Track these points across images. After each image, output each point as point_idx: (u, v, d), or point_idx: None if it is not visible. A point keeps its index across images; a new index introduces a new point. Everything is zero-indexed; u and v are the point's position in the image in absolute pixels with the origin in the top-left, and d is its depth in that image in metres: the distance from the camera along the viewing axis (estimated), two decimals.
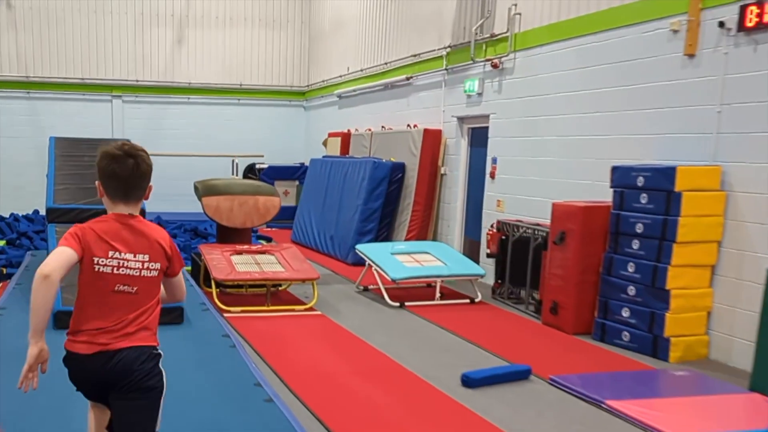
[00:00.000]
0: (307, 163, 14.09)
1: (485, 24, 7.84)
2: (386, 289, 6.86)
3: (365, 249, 7.37)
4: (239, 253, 7.01)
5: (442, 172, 8.86)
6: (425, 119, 9.29)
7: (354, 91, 11.76)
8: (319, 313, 6.32)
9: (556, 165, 6.81)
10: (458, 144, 8.65)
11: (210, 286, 6.88)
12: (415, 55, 9.54)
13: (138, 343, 2.64)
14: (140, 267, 2.65)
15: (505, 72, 7.58)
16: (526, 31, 7.23)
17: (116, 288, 2.61)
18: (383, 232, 9.14)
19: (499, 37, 7.61)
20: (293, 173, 14.05)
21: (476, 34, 7.92)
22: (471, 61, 8.05)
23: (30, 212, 12.11)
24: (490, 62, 7.73)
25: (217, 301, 6.38)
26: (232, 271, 6.40)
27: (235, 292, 6.92)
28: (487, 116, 7.95)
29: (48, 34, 13.86)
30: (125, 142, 2.73)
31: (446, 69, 8.75)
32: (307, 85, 14.71)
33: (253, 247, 7.18)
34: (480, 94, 8.04)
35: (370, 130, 10.76)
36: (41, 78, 13.85)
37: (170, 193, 12.65)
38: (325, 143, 12.36)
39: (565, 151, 6.70)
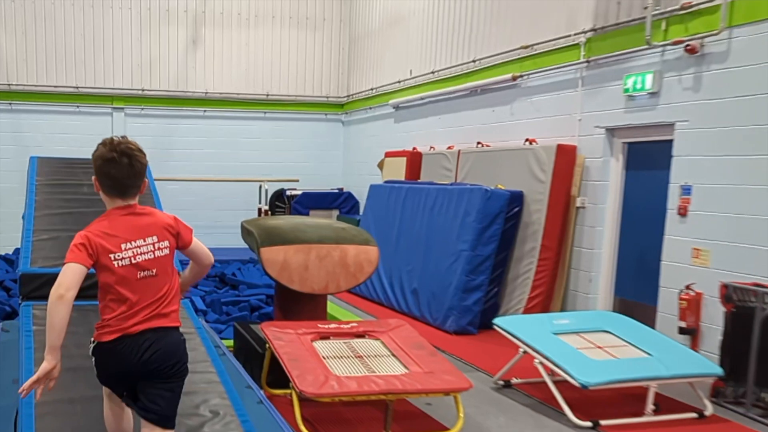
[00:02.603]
0: (346, 189, 11.71)
1: None
2: (559, 390, 4.34)
3: (511, 325, 4.85)
4: (325, 336, 4.47)
5: (578, 204, 6.37)
6: (542, 132, 6.83)
7: (421, 99, 9.29)
8: None
9: None
10: (606, 165, 6.18)
11: (279, 387, 4.42)
12: (526, 47, 7.08)
13: (173, 323, 2.80)
14: (153, 249, 2.77)
15: (709, 59, 5.12)
16: None
17: (139, 275, 2.72)
18: (494, 288, 6.61)
19: (700, 7, 5.17)
20: (332, 201, 11.59)
21: (652, 6, 5.46)
22: (644, 46, 5.58)
23: (10, 252, 9.63)
24: (682, 46, 5.27)
25: (303, 428, 3.84)
26: (327, 379, 3.84)
27: (326, 401, 4.37)
28: (668, 125, 5.49)
29: (34, 33, 11.36)
30: (120, 140, 2.78)
31: (587, 61, 6.29)
32: (347, 96, 12.24)
33: (344, 326, 4.65)
34: (654, 94, 5.57)
35: (451, 147, 8.28)
36: (26, 87, 11.32)
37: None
38: (381, 165, 9.87)
39: None
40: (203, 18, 11.93)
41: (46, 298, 4.44)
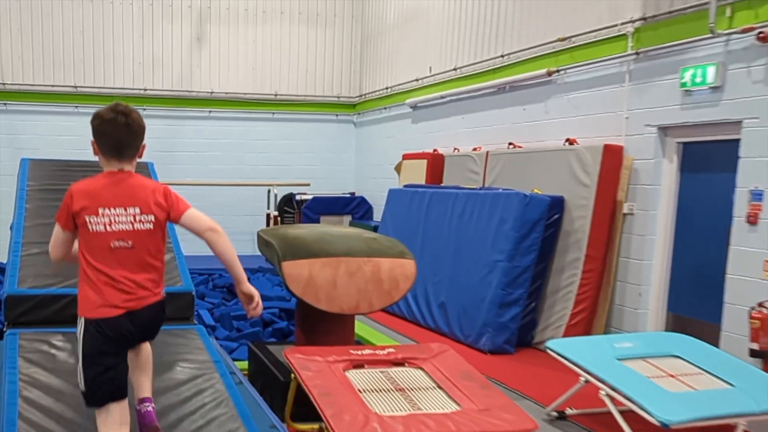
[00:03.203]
0: (358, 193, 11.14)
1: None
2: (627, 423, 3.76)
3: (568, 349, 4.27)
4: (358, 365, 3.89)
5: (626, 210, 5.80)
6: (581, 131, 6.26)
7: (441, 97, 8.72)
8: None
9: None
10: (658, 168, 5.60)
11: (304, 420, 3.87)
12: (563, 39, 6.51)
13: (152, 301, 2.77)
14: (132, 221, 2.70)
15: None
16: None
17: (113, 245, 2.67)
18: (531, 303, 6.04)
19: None
20: (343, 206, 11.03)
21: None
22: (705, 35, 5.01)
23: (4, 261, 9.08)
24: (753, 34, 4.70)
25: None
26: (368, 420, 3.25)
27: None
28: (734, 123, 4.91)
29: (30, 30, 10.80)
30: (118, 102, 2.83)
31: (636, 53, 5.71)
32: (360, 96, 11.67)
33: (379, 353, 4.06)
34: (717, 88, 5.00)
35: (477, 148, 7.71)
36: (22, 86, 10.76)
37: (187, 232, 9.55)
38: (398, 168, 9.30)
39: None
40: (208, 14, 11.37)
41: (35, 323, 3.86)
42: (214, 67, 11.46)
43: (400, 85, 9.97)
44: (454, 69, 8.44)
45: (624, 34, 5.82)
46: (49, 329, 3.52)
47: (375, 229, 9.65)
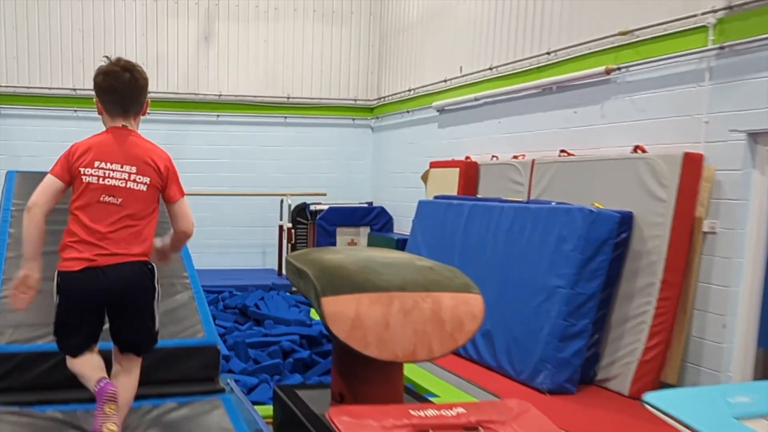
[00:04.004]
0: (376, 203, 10.39)
1: None
2: None
3: (672, 405, 3.48)
4: (422, 431, 3.13)
5: (706, 228, 5.03)
6: (648, 137, 5.49)
7: (475, 100, 7.95)
8: None
9: None
10: (746, 180, 4.82)
11: None
12: (625, 33, 5.75)
13: (129, 259, 2.72)
14: (126, 178, 2.72)
15: None
16: None
17: (101, 198, 2.69)
18: (596, 334, 5.26)
19: None
20: (361, 217, 10.28)
21: None
22: None
23: None
24: None
25: None
26: None
27: None
28: None
29: (26, 28, 10.05)
30: (120, 57, 2.86)
31: (719, 48, 4.95)
32: (378, 98, 10.92)
33: (446, 413, 3.29)
34: None
35: (519, 156, 6.94)
36: (17, 89, 10.01)
37: (193, 244, 8.81)
38: (425, 177, 8.53)
39: None
40: (216, 11, 10.62)
41: (18, 390, 2.84)
42: (223, 68, 10.71)
43: (425, 86, 9.21)
44: (489, 68, 7.68)
45: (703, 26, 5.05)
46: (33, 403, 2.75)
47: (397, 242, 8.92)
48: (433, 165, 8.38)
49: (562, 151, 6.27)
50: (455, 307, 3.60)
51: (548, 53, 6.72)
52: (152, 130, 10.40)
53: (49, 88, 10.11)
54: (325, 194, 9.96)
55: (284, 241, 9.96)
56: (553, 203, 5.67)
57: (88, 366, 2.80)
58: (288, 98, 10.82)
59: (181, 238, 2.98)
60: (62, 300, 2.70)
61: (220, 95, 10.65)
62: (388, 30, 10.56)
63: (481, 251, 6.08)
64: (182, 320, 3.71)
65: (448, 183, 7.84)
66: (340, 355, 3.97)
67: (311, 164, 10.92)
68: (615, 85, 5.92)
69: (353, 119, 11.07)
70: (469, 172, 7.60)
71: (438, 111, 8.86)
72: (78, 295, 2.71)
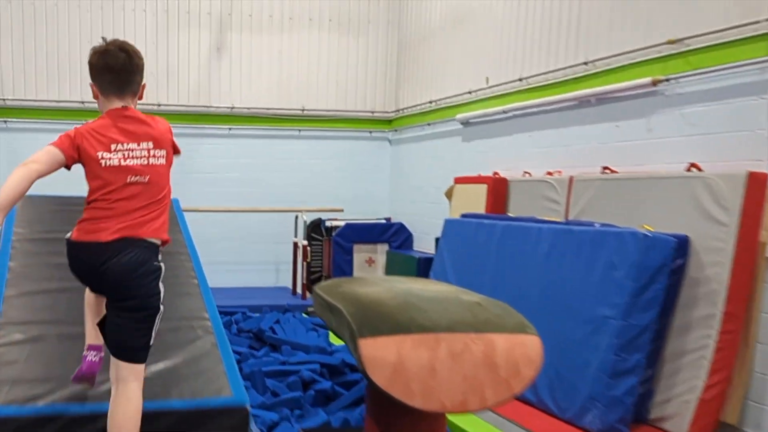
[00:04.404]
0: (394, 219, 9.98)
1: None
2: None
3: None
4: None
5: None
6: (700, 154, 5.06)
7: (503, 112, 7.54)
8: None
9: None
10: None
11: None
12: (674, 42, 5.32)
13: (145, 235, 2.68)
14: (146, 155, 2.72)
15: None
16: None
17: (129, 180, 2.67)
18: (650, 370, 4.80)
19: None
20: (379, 234, 9.88)
21: None
22: None
23: None
24: None
25: None
26: None
27: None
28: None
29: (34, 39, 9.71)
30: (115, 39, 2.83)
31: None
32: (396, 110, 10.52)
33: None
34: None
35: (553, 173, 6.51)
36: (24, 102, 9.67)
37: (204, 261, 8.47)
38: (449, 194, 8.11)
39: None
40: (229, 21, 10.26)
41: None
42: (235, 79, 10.34)
43: (447, 98, 8.80)
44: (519, 79, 7.26)
45: (765, 34, 4.63)
46: None
47: (418, 261, 8.52)
48: (458, 181, 7.96)
49: (605, 167, 5.84)
50: (510, 350, 3.18)
51: (586, 63, 6.30)
52: None
53: (57, 101, 9.75)
54: (341, 210, 9.55)
55: (299, 259, 9.54)
56: (596, 225, 5.23)
57: (88, 310, 2.89)
58: (303, 110, 10.44)
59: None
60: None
61: (232, 108, 10.28)
62: (408, 39, 10.17)
63: (518, 276, 5.65)
64: (204, 373, 3.26)
65: (475, 200, 7.41)
66: (376, 401, 3.54)
67: (326, 178, 10.53)
68: (663, 98, 5.49)
69: (370, 132, 10.67)
70: (498, 189, 7.18)
71: (462, 124, 8.44)
72: (81, 267, 2.71)
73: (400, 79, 10.44)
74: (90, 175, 2.69)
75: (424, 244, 9.32)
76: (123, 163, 2.66)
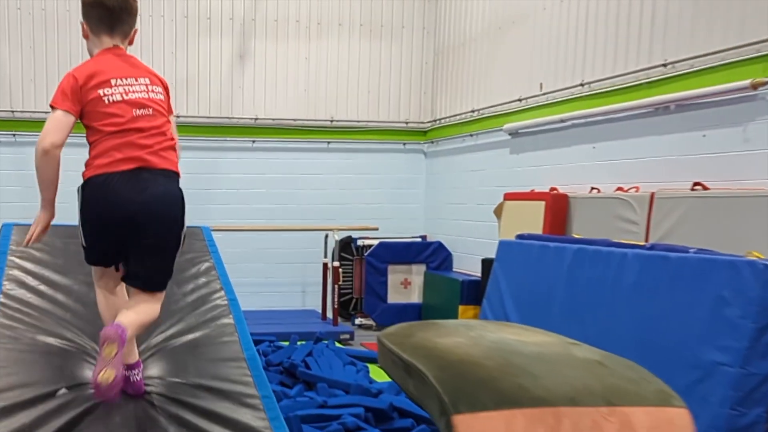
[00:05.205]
0: (430, 237, 9.26)
1: None
2: None
3: None
4: None
5: None
6: None
7: (561, 121, 6.80)
8: None
9: None
10: None
11: None
12: None
13: (172, 167, 2.72)
14: (146, 89, 2.73)
15: None
16: None
17: (135, 113, 2.66)
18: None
19: None
20: (416, 254, 9.16)
21: None
22: None
23: None
24: None
25: None
26: None
27: None
28: None
29: (44, 49, 9.09)
30: None
31: None
32: (433, 121, 9.81)
33: None
34: None
35: (632, 189, 5.76)
36: (34, 114, 9.04)
37: None
38: (498, 212, 7.36)
39: None
40: (253, 27, 9.60)
41: None
42: (259, 89, 9.67)
43: (492, 107, 8.08)
44: (581, 84, 6.52)
45: None
46: None
47: (462, 284, 7.79)
48: (508, 197, 7.22)
49: (696, 183, 5.07)
50: (654, 429, 2.42)
51: (664, 65, 5.55)
52: (181, 157, 9.41)
53: None
54: (377, 228, 8.82)
55: (329, 281, 8.84)
56: (691, 250, 4.47)
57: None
58: (331, 121, 9.75)
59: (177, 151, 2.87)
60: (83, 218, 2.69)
61: (256, 119, 9.60)
62: (445, 45, 9.47)
63: (595, 310, 4.89)
64: None
65: (530, 218, 6.67)
66: None
67: (357, 194, 9.82)
68: (765, 103, 4.73)
69: (404, 144, 9.96)
70: (558, 207, 6.43)
71: (510, 134, 7.71)
72: (94, 218, 2.67)
73: (436, 87, 9.74)
74: (93, 116, 2.65)
75: (465, 265, 8.59)
76: (126, 97, 2.64)
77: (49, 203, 2.74)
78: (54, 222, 3.00)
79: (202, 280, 4.14)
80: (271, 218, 9.48)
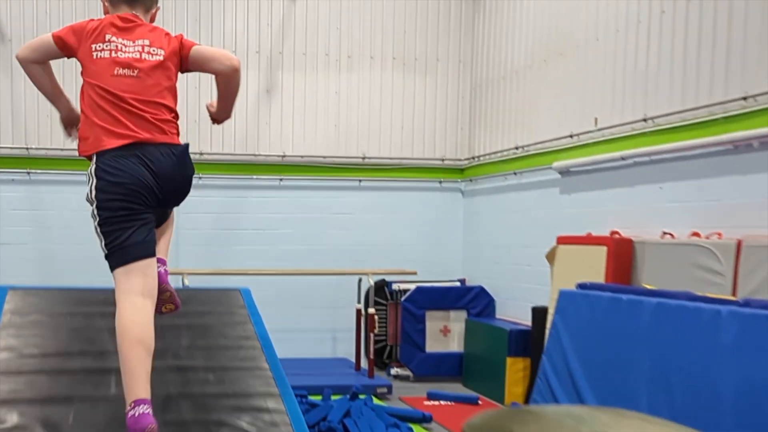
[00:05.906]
0: (470, 281, 8.71)
1: None
2: None
3: None
4: None
5: None
6: None
7: (621, 158, 6.27)
8: None
9: None
10: None
11: None
12: None
13: (166, 140, 2.74)
14: (140, 51, 2.65)
15: None
16: None
17: (116, 72, 2.63)
18: None
19: None
20: (455, 299, 8.63)
21: None
22: None
23: None
24: None
25: None
26: None
27: None
28: None
29: (61, 82, 8.63)
30: None
31: None
32: (470, 158, 9.31)
33: None
34: None
35: (714, 236, 5.20)
36: (49, 151, 8.61)
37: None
38: (551, 257, 6.80)
39: None
40: (280, 60, 9.19)
41: None
42: (287, 124, 9.23)
43: (539, 143, 7.57)
44: (644, 120, 6.01)
45: None
46: None
47: (510, 334, 7.23)
48: (561, 240, 6.67)
49: None
50: None
51: (744, 98, 5.03)
52: (205, 197, 8.94)
53: None
54: (415, 273, 8.25)
55: (363, 329, 8.28)
56: None
57: (141, 350, 2.53)
58: (363, 158, 9.27)
59: (226, 81, 2.77)
60: (101, 198, 2.63)
61: (283, 156, 9.14)
62: (483, 78, 9.01)
63: (685, 375, 4.30)
64: None
65: (589, 265, 6.11)
66: None
67: (390, 235, 9.30)
68: None
69: (440, 182, 9.45)
70: (622, 253, 5.88)
71: (560, 173, 7.19)
72: (116, 189, 2.64)
73: (473, 122, 9.26)
74: (84, 71, 2.69)
75: (510, 312, 8.02)
76: (113, 54, 2.61)
77: (57, 99, 2.84)
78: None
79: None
80: (299, 260, 8.96)
